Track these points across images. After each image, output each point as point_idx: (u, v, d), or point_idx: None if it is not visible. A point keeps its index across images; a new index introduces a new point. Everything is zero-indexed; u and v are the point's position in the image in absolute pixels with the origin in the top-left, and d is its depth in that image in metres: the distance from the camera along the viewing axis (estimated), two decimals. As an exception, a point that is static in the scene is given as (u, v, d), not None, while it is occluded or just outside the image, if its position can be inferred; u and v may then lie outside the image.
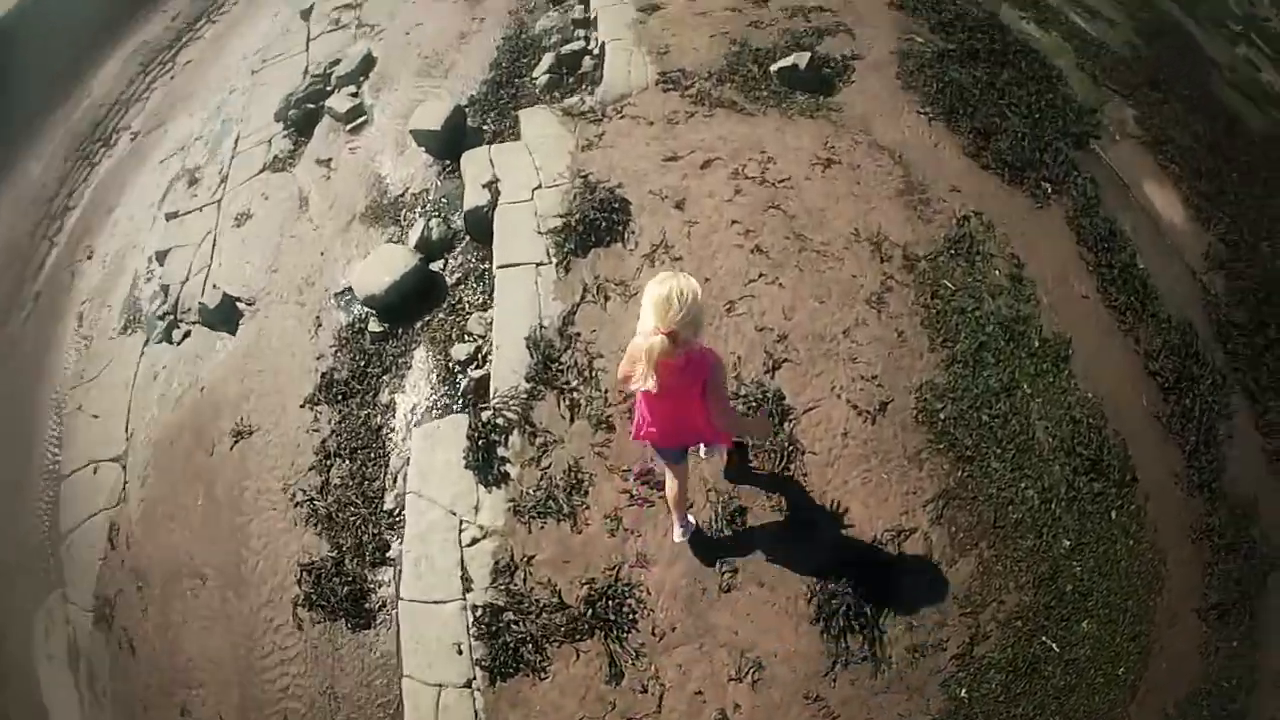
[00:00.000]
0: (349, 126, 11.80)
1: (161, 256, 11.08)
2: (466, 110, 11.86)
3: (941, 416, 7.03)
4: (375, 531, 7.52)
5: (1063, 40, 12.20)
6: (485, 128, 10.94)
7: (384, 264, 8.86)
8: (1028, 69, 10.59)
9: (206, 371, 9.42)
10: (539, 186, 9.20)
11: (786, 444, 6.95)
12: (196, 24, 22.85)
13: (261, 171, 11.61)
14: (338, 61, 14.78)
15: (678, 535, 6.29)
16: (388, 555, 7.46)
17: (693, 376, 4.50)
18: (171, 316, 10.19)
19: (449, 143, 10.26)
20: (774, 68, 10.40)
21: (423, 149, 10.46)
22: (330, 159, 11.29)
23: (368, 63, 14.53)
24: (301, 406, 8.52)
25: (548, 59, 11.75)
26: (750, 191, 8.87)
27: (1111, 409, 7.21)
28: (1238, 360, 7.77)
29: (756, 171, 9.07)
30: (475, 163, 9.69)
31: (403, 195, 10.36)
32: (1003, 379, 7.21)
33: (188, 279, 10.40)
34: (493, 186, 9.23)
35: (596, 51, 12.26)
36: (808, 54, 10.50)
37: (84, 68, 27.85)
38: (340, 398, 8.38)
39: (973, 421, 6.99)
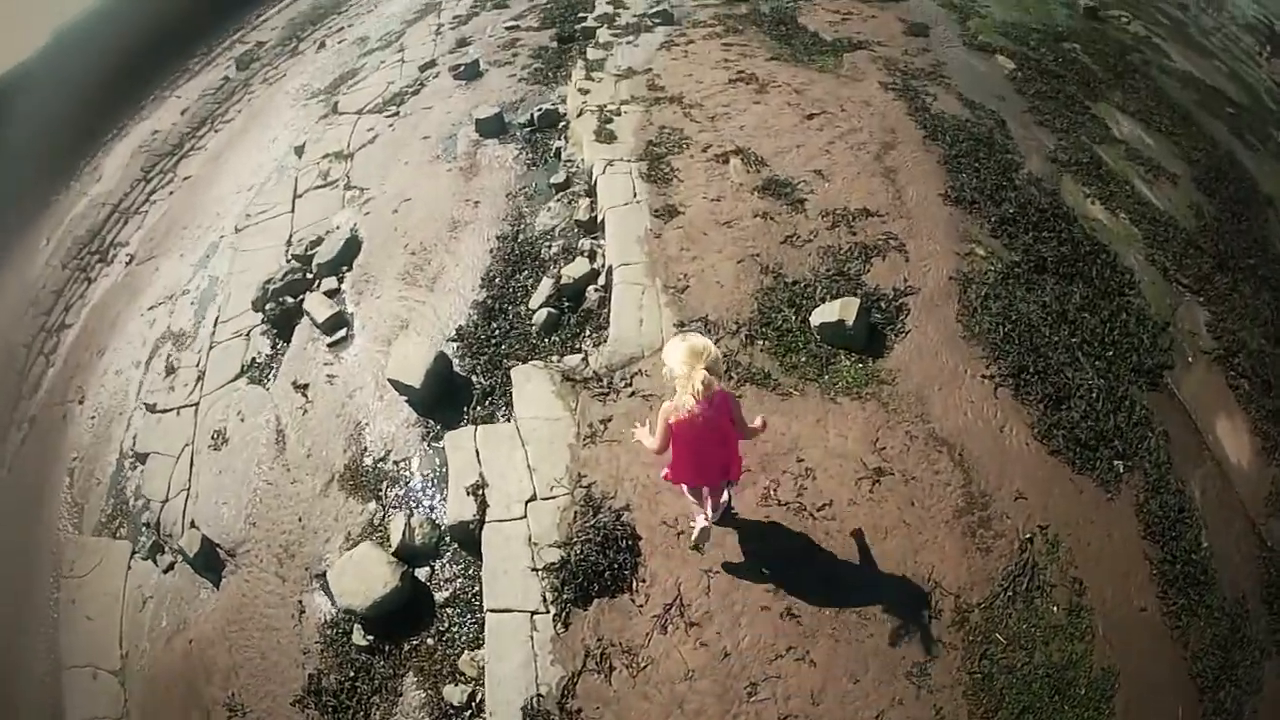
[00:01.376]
0: (329, 341, 10.62)
1: (141, 458, 10.53)
2: (454, 350, 10.38)
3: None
4: None
5: (1130, 224, 11.23)
6: (474, 380, 9.61)
7: (364, 574, 7.83)
8: (1099, 279, 10.09)
9: (193, 618, 8.71)
10: (533, 499, 7.84)
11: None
12: (200, 130, 23.19)
13: (239, 377, 10.74)
14: (320, 241, 13.25)
15: (701, 521, 6.59)
16: None
17: (721, 408, 5.44)
18: (155, 537, 9.55)
19: (432, 396, 9.25)
20: (815, 321, 8.95)
21: (404, 397, 9.35)
22: (308, 385, 10.10)
23: (350, 248, 12.84)
24: (292, 704, 7.60)
25: (546, 285, 10.20)
26: (784, 525, 7.51)
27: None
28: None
29: (792, 493, 7.57)
30: (460, 451, 8.42)
31: (384, 460, 9.00)
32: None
33: (168, 499, 9.77)
34: (480, 495, 7.92)
35: (603, 282, 10.31)
36: (855, 303, 8.94)
37: (90, 147, 27.71)
38: (331, 709, 7.52)
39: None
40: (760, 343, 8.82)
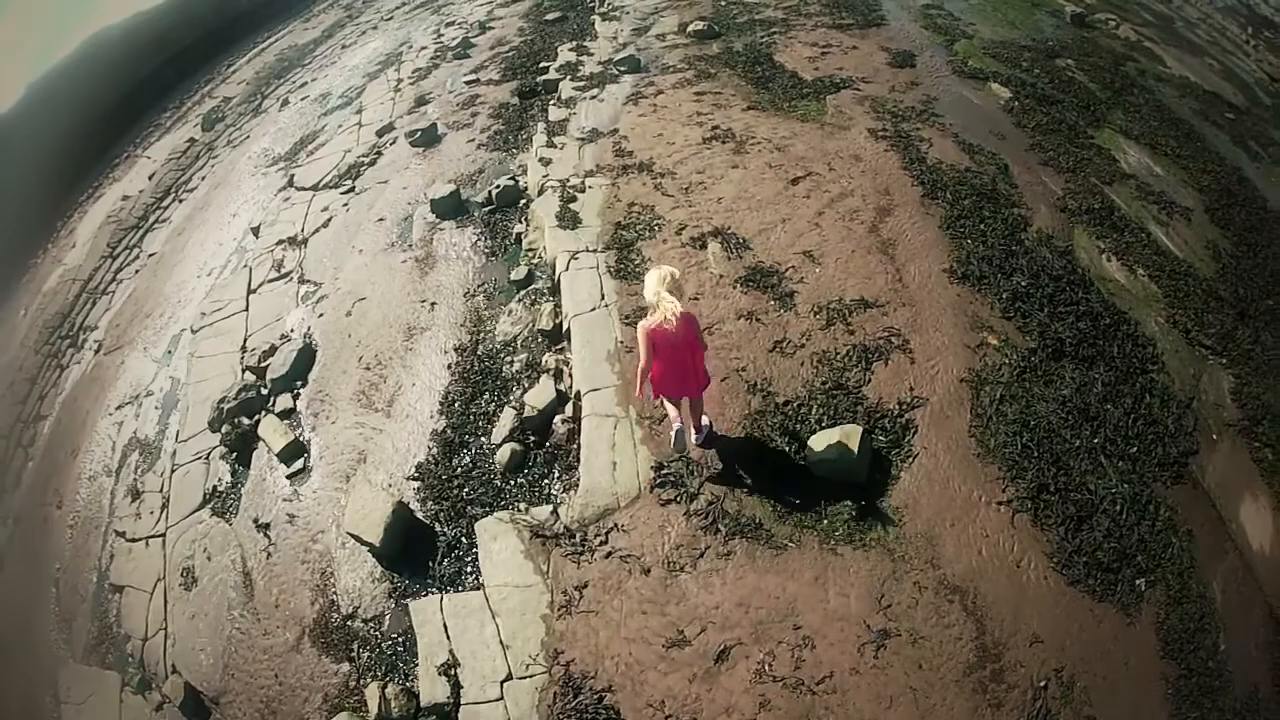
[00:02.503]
0: (287, 472, 9.93)
1: (118, 589, 10.20)
2: (413, 490, 9.24)
3: None
4: None
5: (1149, 281, 10.12)
6: (437, 529, 8.60)
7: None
8: (1120, 358, 8.99)
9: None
10: (508, 678, 6.93)
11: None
12: (165, 200, 22.47)
13: (202, 506, 10.19)
14: (273, 351, 12.06)
15: (695, 439, 7.77)
16: None
17: (688, 324, 6.61)
18: (141, 673, 9.22)
19: (394, 549, 8.38)
20: (813, 455, 7.63)
21: (366, 547, 8.43)
22: (269, 524, 9.39)
23: (304, 360, 11.61)
24: None
25: (509, 416, 9.15)
26: (780, 705, 6.40)
27: None
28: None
29: (788, 665, 6.55)
30: (428, 625, 7.52)
31: (352, 617, 8.19)
32: None
33: (147, 637, 9.37)
34: (452, 674, 7.09)
35: (570, 412, 8.98)
36: (857, 433, 7.62)
37: (66, 205, 26.88)
38: None
39: None
40: (750, 482, 7.67)
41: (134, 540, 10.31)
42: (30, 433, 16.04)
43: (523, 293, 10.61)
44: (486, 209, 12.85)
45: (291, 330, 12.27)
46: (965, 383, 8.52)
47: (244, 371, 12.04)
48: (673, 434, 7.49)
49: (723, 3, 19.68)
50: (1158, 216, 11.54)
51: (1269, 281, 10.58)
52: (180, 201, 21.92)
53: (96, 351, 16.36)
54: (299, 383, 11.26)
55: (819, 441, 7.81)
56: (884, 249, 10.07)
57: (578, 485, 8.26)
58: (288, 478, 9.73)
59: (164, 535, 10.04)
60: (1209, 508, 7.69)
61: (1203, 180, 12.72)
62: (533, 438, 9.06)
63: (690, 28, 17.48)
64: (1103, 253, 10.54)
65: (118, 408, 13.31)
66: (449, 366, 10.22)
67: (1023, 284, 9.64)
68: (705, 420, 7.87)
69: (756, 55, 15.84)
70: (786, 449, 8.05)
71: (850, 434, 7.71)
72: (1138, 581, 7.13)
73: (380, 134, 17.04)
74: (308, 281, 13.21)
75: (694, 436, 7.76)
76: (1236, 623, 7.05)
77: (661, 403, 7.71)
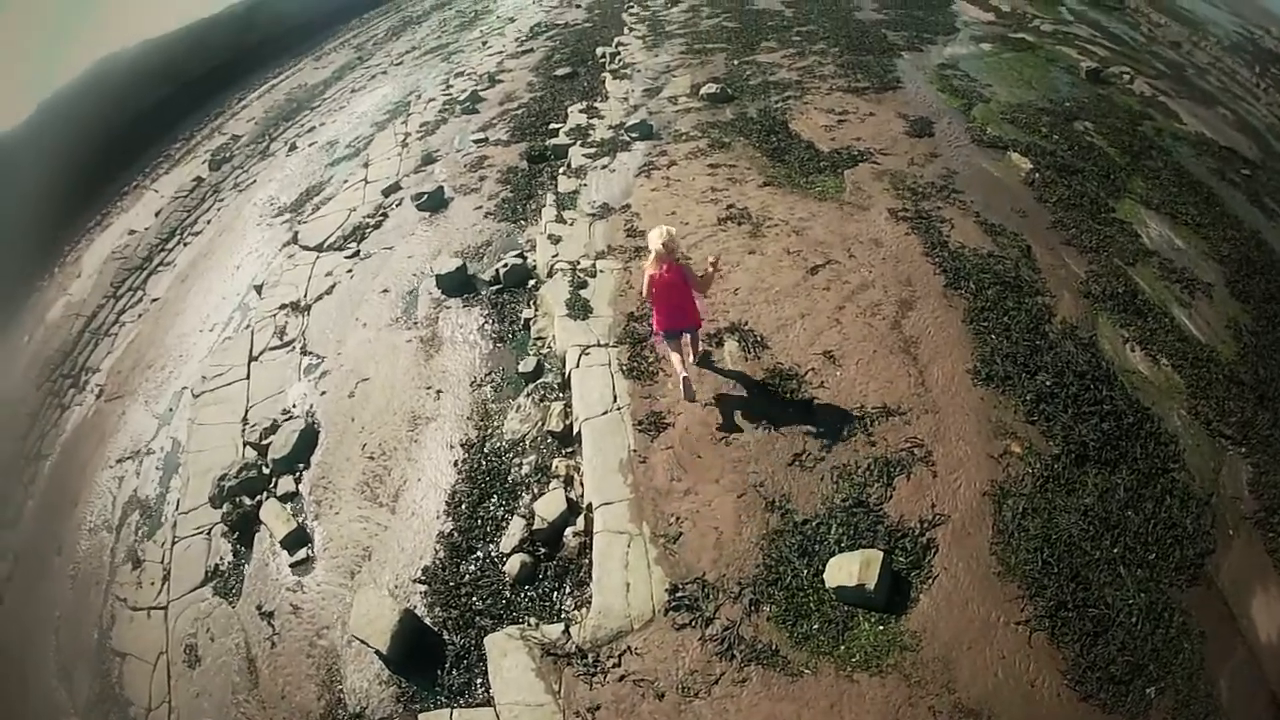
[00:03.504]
0: (290, 561, 9.79)
1: (120, 655, 9.96)
2: (421, 594, 8.93)
3: None
4: None
5: (1172, 370, 9.93)
6: (445, 640, 8.25)
7: None
8: (1143, 459, 8.73)
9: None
10: None
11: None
12: (169, 242, 22.36)
13: (204, 584, 9.97)
14: (275, 428, 11.75)
15: (681, 373, 8.83)
16: None
17: (678, 274, 8.19)
18: None
19: (401, 655, 8.16)
20: (831, 581, 7.42)
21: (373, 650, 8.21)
22: (273, 612, 9.13)
23: (306, 442, 11.31)
24: None
25: (518, 526, 8.82)
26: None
27: None
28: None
29: None
30: None
31: (360, 718, 7.98)
32: None
33: (151, 708, 9.23)
34: None
35: (582, 525, 8.67)
36: (877, 560, 7.50)
37: (74, 229, 26.74)
38: None
39: None
40: (767, 608, 7.37)
41: (135, 609, 10.14)
42: (31, 470, 15.94)
43: (531, 386, 10.25)
44: (494, 288, 12.50)
45: (294, 406, 12.02)
46: (988, 496, 8.20)
47: (245, 446, 11.80)
48: (681, 385, 8.76)
49: (735, 62, 19.41)
50: (1180, 297, 11.34)
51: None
52: (185, 245, 21.87)
53: (98, 396, 16.46)
54: (301, 465, 11.00)
55: (838, 567, 7.56)
56: (906, 348, 9.72)
57: (590, 603, 7.93)
58: (291, 566, 9.71)
59: (165, 608, 9.86)
60: (1221, 605, 7.61)
61: (1222, 249, 12.53)
62: (543, 549, 8.75)
63: (703, 90, 17.19)
64: (1126, 342, 10.31)
65: (118, 461, 13.14)
66: (455, 464, 9.96)
67: (1047, 383, 9.38)
68: (699, 348, 9.53)
69: (771, 123, 15.48)
70: (804, 571, 7.74)
71: (870, 560, 7.46)
72: (1148, 690, 6.94)
73: (386, 193, 16.76)
74: (310, 353, 12.94)
75: (686, 365, 8.95)
76: (1239, 714, 7.01)
77: (666, 357, 9.33)
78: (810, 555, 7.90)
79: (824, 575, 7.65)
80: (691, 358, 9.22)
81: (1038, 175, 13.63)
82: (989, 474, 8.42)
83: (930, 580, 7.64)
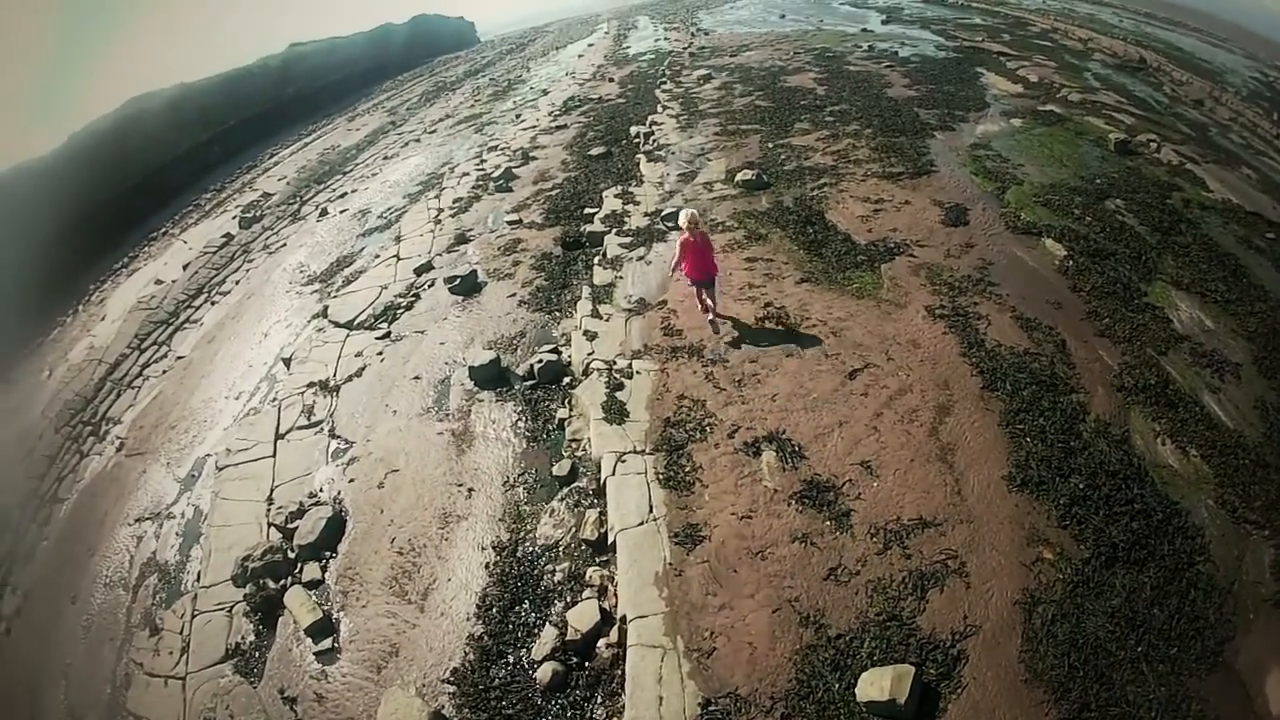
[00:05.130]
0: (315, 649, 9.73)
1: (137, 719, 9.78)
2: (449, 695, 8.82)
3: None
4: None
5: (1201, 461, 9.96)
6: None
7: None
8: (1170, 555, 8.80)
9: None
10: None
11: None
12: (196, 300, 22.68)
13: (224, 660, 9.93)
14: (301, 512, 11.75)
15: (709, 316, 12.34)
16: None
17: (704, 241, 11.83)
18: None
19: None
20: (863, 695, 7.42)
21: None
22: (296, 699, 9.06)
23: (333, 530, 11.32)
24: None
25: (550, 635, 8.82)
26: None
27: None
28: None
29: None
30: None
31: None
32: None
33: None
34: None
35: (615, 638, 8.67)
36: (908, 675, 7.52)
37: (91, 275, 27.30)
38: None
39: None
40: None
41: (152, 675, 10.13)
42: (46, 512, 16.09)
43: (565, 490, 10.31)
44: (528, 383, 12.60)
45: (321, 490, 12.06)
46: (1019, 605, 8.24)
47: (270, 527, 11.84)
48: (710, 323, 12.44)
49: (770, 145, 19.62)
50: (1210, 383, 11.42)
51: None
52: (212, 304, 22.23)
53: (118, 449, 16.52)
54: (328, 553, 11.02)
55: (870, 681, 7.60)
56: (943, 456, 9.79)
57: (621, 714, 7.93)
58: (315, 654, 9.54)
59: (184, 680, 9.86)
60: (1239, 688, 7.63)
61: (1250, 325, 12.61)
62: (575, 658, 8.75)
63: (739, 176, 17.36)
64: (1158, 436, 10.37)
65: (137, 520, 13.24)
66: (486, 566, 9.96)
67: (1080, 486, 9.45)
68: (717, 293, 12.52)
69: (808, 214, 15.66)
70: (836, 685, 7.75)
71: (902, 676, 7.50)
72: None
73: (419, 272, 16.97)
74: (338, 437, 13.03)
75: (712, 306, 12.37)
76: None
77: (698, 299, 12.64)
78: (842, 670, 7.91)
79: (855, 690, 7.68)
80: (712, 302, 12.20)
81: (1071, 262, 13.75)
82: (1021, 582, 8.47)
83: (959, 691, 7.65)
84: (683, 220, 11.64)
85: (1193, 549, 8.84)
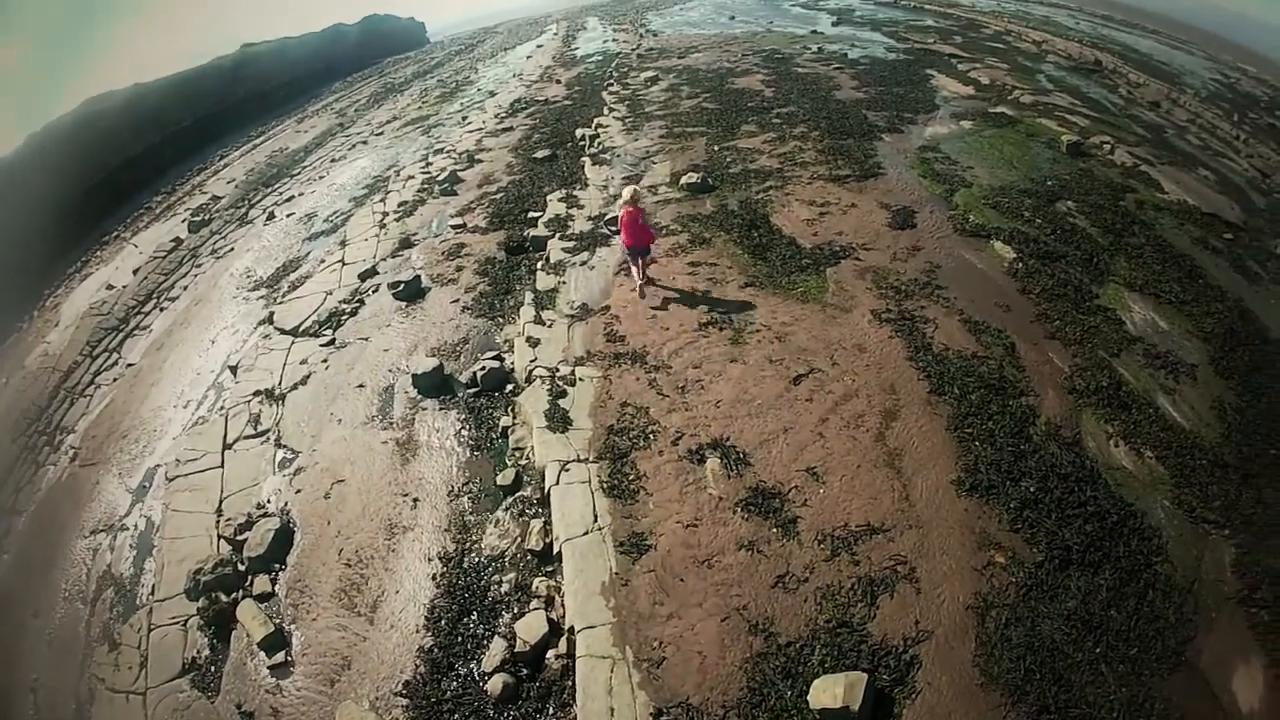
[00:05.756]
0: (268, 663, 9.63)
1: None
2: (402, 708, 8.78)
3: None
4: None
5: (1156, 462, 10.08)
6: None
7: None
8: (1125, 556, 8.91)
9: None
10: None
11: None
12: (146, 305, 22.35)
13: (181, 675, 9.90)
14: (250, 524, 11.64)
15: (638, 279, 13.72)
16: None
17: (639, 213, 13.03)
18: None
19: None
20: (815, 703, 7.41)
21: None
22: (253, 713, 9.05)
23: (282, 541, 11.22)
24: None
25: (499, 647, 8.79)
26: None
27: None
28: None
29: None
30: None
31: None
32: None
33: None
34: None
35: (564, 649, 8.65)
36: (860, 681, 7.48)
37: (45, 279, 27.20)
38: None
39: None
40: None
41: (114, 691, 10.05)
42: (5, 525, 15.86)
43: (510, 499, 10.31)
44: (471, 390, 12.50)
45: (268, 501, 11.95)
46: (971, 609, 8.28)
47: (219, 539, 11.72)
48: (638, 287, 13.76)
49: (716, 148, 19.55)
50: (1164, 384, 11.49)
51: (1272, 428, 10.70)
52: (161, 310, 21.94)
53: (72, 460, 16.35)
54: (277, 565, 10.91)
55: (822, 689, 7.59)
56: (890, 461, 9.79)
57: (574, 723, 7.63)
58: (269, 669, 9.47)
59: (144, 694, 9.80)
60: (1203, 687, 7.64)
61: (1206, 326, 12.76)
62: (524, 670, 8.70)
63: (683, 180, 17.25)
64: (1110, 438, 10.42)
65: (92, 532, 13.15)
66: (433, 577, 9.78)
67: (1031, 489, 9.50)
68: (648, 268, 13.88)
69: (753, 218, 15.63)
70: (788, 693, 7.73)
71: (854, 683, 7.50)
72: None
73: (363, 277, 16.81)
74: (284, 446, 12.90)
75: (640, 275, 13.68)
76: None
77: (631, 264, 13.93)
78: (794, 677, 7.89)
79: (808, 697, 7.67)
80: (644, 268, 13.58)
81: (1021, 265, 13.79)
82: (973, 586, 8.50)
83: (914, 696, 7.68)
84: (625, 193, 12.97)
85: (1150, 550, 8.93)
